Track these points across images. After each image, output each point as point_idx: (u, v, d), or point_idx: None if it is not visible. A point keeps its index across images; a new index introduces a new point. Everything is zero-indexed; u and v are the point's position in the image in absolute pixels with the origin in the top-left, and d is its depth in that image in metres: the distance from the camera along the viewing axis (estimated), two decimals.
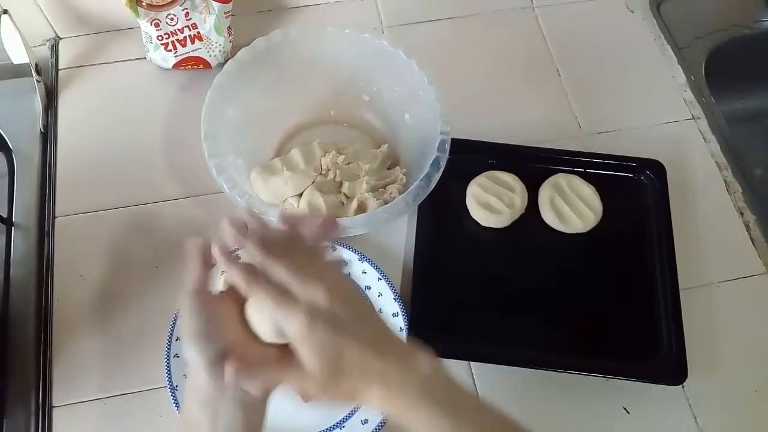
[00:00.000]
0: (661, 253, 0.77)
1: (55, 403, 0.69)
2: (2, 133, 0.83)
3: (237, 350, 0.48)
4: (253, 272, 0.48)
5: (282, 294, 0.47)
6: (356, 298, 0.51)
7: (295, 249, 0.50)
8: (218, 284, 0.54)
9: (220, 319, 0.49)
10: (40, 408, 0.68)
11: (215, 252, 0.48)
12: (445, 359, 0.69)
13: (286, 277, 0.47)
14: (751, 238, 0.81)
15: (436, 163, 0.71)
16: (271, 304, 0.47)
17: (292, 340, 0.47)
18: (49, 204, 0.79)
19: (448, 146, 0.72)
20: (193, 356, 0.47)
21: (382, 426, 0.66)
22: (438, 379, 0.49)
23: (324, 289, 0.47)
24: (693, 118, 0.89)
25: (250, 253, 0.48)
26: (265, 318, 0.49)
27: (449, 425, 0.47)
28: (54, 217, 0.78)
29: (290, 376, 0.47)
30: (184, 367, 0.68)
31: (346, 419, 0.67)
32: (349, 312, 0.48)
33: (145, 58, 0.88)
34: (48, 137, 0.84)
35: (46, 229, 0.78)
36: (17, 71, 0.86)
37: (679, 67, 0.93)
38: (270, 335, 0.49)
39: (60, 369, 0.70)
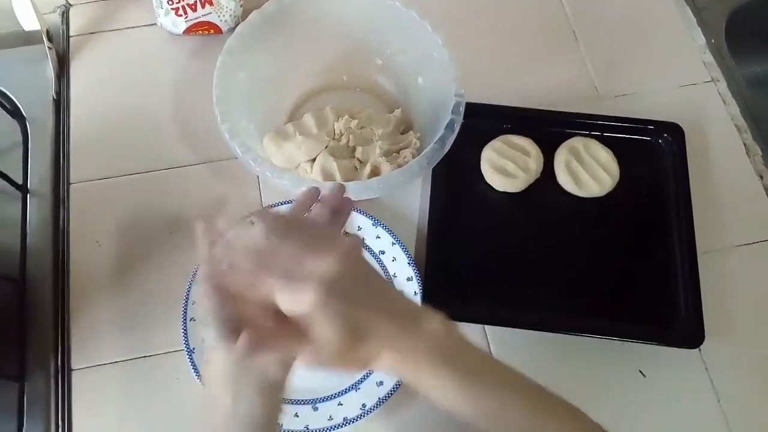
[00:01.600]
0: (679, 217, 0.76)
1: (73, 366, 0.70)
2: (15, 101, 0.83)
3: (253, 325, 0.48)
4: (259, 262, 0.48)
5: (289, 274, 0.47)
6: (366, 266, 0.51)
7: (302, 228, 0.51)
8: None
9: (234, 297, 0.49)
10: (59, 371, 0.69)
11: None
12: (460, 322, 0.70)
13: (292, 255, 0.48)
14: None
15: (450, 125, 0.70)
16: (280, 286, 0.47)
17: (305, 314, 0.46)
18: (63, 171, 0.80)
19: (462, 108, 0.71)
20: (211, 338, 0.48)
21: (397, 387, 0.66)
22: (449, 340, 0.49)
23: (333, 260, 0.47)
24: (712, 80, 0.88)
25: (253, 238, 0.49)
26: None
27: (458, 386, 0.48)
28: (69, 184, 0.79)
29: (303, 347, 0.47)
30: (201, 330, 0.68)
31: (362, 381, 0.67)
32: (359, 280, 0.48)
33: (155, 24, 0.88)
34: (60, 104, 0.84)
35: (61, 195, 0.78)
36: (29, 38, 0.86)
37: (698, 29, 0.91)
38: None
39: (78, 333, 0.71)
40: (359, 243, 0.55)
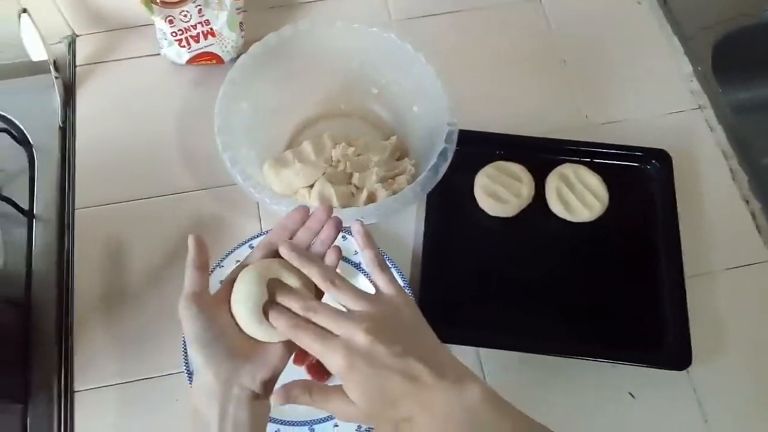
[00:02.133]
0: (667, 241, 0.78)
1: (76, 388, 0.71)
2: (23, 128, 0.85)
3: (241, 352, 0.52)
4: (297, 321, 0.51)
5: (323, 335, 0.50)
6: (403, 326, 0.52)
7: (344, 284, 0.53)
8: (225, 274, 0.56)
9: (219, 319, 0.52)
10: (62, 393, 0.71)
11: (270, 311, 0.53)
12: (453, 345, 0.72)
13: (329, 319, 0.51)
14: (757, 226, 0.82)
15: (443, 153, 0.72)
16: (313, 349, 0.50)
17: (338, 376, 0.49)
18: (69, 197, 0.82)
19: (455, 137, 0.73)
20: (198, 358, 0.51)
21: None
22: (486, 413, 0.48)
23: (363, 327, 0.49)
24: (699, 107, 0.90)
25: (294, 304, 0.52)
26: (243, 312, 0.52)
27: None
28: (74, 210, 0.81)
29: (335, 404, 0.50)
30: (189, 350, 0.69)
31: None
32: (392, 344, 0.49)
33: (159, 54, 0.91)
34: (66, 132, 0.86)
35: (66, 221, 0.80)
36: (36, 68, 0.88)
37: (686, 58, 0.94)
38: (250, 328, 0.52)
39: (81, 356, 0.73)
40: (403, 302, 0.54)
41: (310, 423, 0.68)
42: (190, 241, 0.55)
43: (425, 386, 0.48)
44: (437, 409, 0.48)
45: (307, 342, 0.50)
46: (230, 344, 0.52)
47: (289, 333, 0.51)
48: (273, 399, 0.52)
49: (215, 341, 0.51)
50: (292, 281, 0.54)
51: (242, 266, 0.56)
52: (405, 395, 0.48)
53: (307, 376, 0.70)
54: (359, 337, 0.49)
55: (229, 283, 0.55)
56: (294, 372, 0.70)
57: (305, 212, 0.58)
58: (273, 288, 0.54)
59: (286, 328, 0.51)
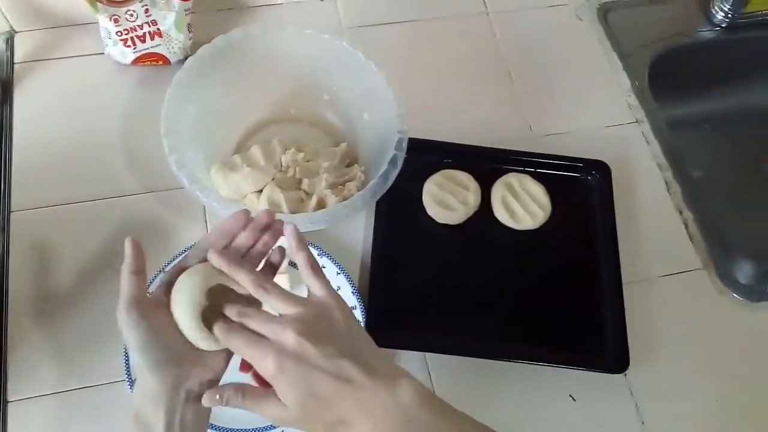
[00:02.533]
0: (606, 249, 0.81)
1: (9, 398, 0.68)
2: None
3: (186, 356, 0.52)
4: (229, 327, 0.52)
5: (255, 339, 0.50)
6: (335, 328, 0.52)
7: (275, 288, 0.53)
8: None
9: (161, 324, 0.52)
10: None
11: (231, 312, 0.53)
12: (400, 350, 0.73)
13: (261, 323, 0.51)
14: (689, 235, 0.86)
15: (393, 161, 0.73)
16: (245, 353, 0.50)
17: (269, 379, 0.49)
18: (3, 198, 0.79)
19: (405, 145, 0.74)
20: (141, 364, 0.51)
21: None
22: (422, 413, 0.49)
23: (293, 328, 0.49)
24: (636, 121, 0.94)
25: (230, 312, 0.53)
26: (185, 321, 0.52)
27: None
28: (9, 212, 0.78)
29: (268, 407, 0.50)
30: (131, 356, 0.68)
31: None
32: (323, 345, 0.49)
33: (103, 53, 0.88)
34: (2, 131, 0.83)
35: (1, 223, 0.77)
36: None
37: (624, 73, 0.98)
38: (192, 336, 0.52)
39: (15, 364, 0.70)
40: (336, 304, 0.53)
41: (257, 431, 0.67)
42: (127, 245, 0.54)
43: (359, 387, 0.48)
44: (372, 410, 0.48)
45: (239, 346, 0.51)
46: (175, 350, 0.52)
47: (223, 338, 0.51)
48: (205, 400, 0.51)
49: (159, 347, 0.51)
50: (236, 286, 0.54)
51: (180, 269, 0.55)
52: (338, 397, 0.48)
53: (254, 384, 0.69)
54: (289, 338, 0.49)
55: (168, 285, 0.54)
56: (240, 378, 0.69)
57: (245, 216, 0.58)
58: (214, 294, 0.53)
59: (219, 334, 0.51)
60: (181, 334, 0.52)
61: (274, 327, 0.50)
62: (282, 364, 0.48)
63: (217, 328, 0.52)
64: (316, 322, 0.51)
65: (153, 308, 0.52)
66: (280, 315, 0.52)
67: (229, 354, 0.54)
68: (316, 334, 0.50)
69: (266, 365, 0.49)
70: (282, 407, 0.49)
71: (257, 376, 0.68)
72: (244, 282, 0.53)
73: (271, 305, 0.53)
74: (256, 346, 0.50)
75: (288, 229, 0.57)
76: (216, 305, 0.53)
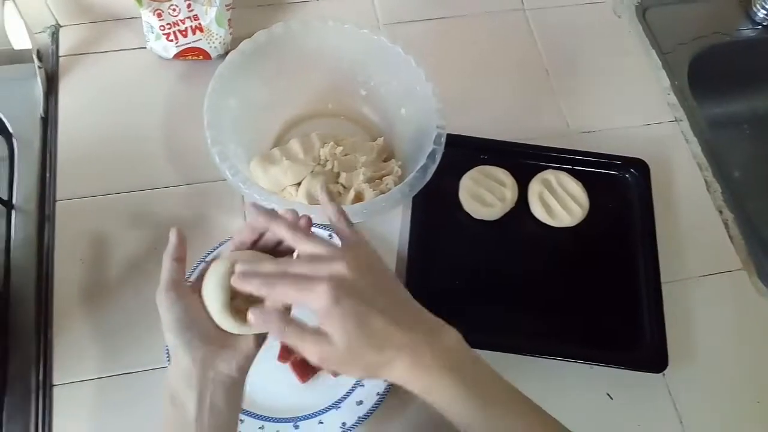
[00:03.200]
0: (644, 248, 0.80)
1: (55, 382, 0.70)
2: (3, 118, 0.84)
3: (216, 338, 0.53)
4: (270, 276, 0.51)
5: (302, 279, 0.49)
6: (380, 270, 0.53)
7: (311, 239, 0.53)
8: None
9: (195, 307, 0.53)
10: (40, 386, 0.70)
11: (233, 279, 0.52)
12: None
13: (305, 266, 0.50)
14: (729, 236, 0.85)
15: (432, 155, 0.73)
16: (293, 293, 0.50)
17: (320, 315, 0.49)
18: (49, 188, 0.80)
19: (443, 139, 0.74)
20: (174, 343, 0.52)
21: (376, 407, 0.68)
22: (464, 358, 0.51)
23: (345, 263, 0.49)
24: (676, 120, 0.93)
25: (266, 267, 0.52)
26: (213, 306, 0.53)
27: (469, 405, 0.50)
28: (54, 201, 0.80)
29: (311, 343, 0.49)
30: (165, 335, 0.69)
31: (342, 400, 0.69)
32: (372, 284, 0.50)
33: (145, 47, 0.90)
34: (48, 123, 0.85)
35: (46, 212, 0.79)
36: (18, 57, 0.87)
37: (663, 72, 0.97)
38: (221, 320, 0.53)
39: (60, 349, 0.72)
40: (372, 253, 0.54)
41: (294, 420, 0.68)
42: (172, 234, 0.57)
43: (408, 329, 0.49)
44: (419, 352, 0.49)
45: (286, 290, 0.50)
46: (205, 331, 0.53)
47: (264, 290, 0.50)
48: (249, 318, 0.51)
49: (191, 327, 0.52)
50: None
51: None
52: (387, 337, 0.48)
53: (292, 374, 0.70)
54: (343, 270, 0.49)
55: (202, 273, 0.56)
56: (277, 368, 0.70)
57: (274, 214, 0.57)
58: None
59: (260, 287, 0.50)
60: (211, 318, 0.54)
61: (325, 263, 0.50)
62: (337, 295, 0.48)
63: (257, 281, 0.50)
64: (365, 257, 0.52)
65: (188, 293, 0.54)
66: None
67: (258, 339, 0.55)
68: (367, 269, 0.50)
69: (319, 298, 0.48)
70: (324, 343, 0.49)
71: (296, 366, 0.69)
72: (282, 232, 0.53)
73: (313, 249, 0.52)
74: (305, 282, 0.49)
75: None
76: (248, 297, 0.54)
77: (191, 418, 0.50)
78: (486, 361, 0.53)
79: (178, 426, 0.51)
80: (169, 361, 0.69)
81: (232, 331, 0.54)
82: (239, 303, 0.54)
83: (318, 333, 0.49)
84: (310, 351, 0.50)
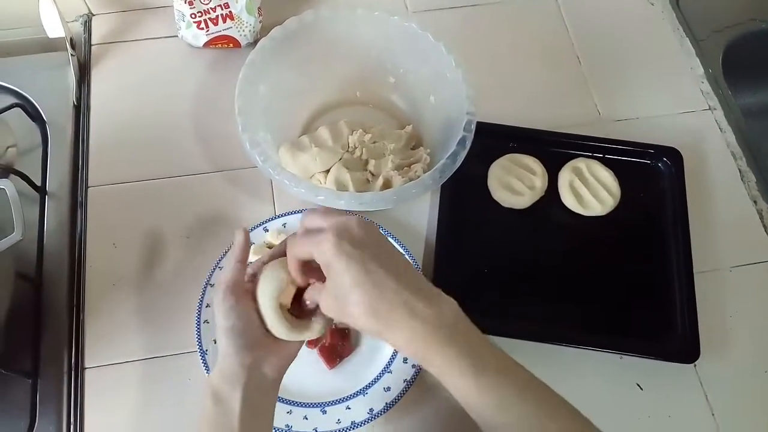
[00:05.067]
0: (677, 237, 0.79)
1: (87, 365, 0.71)
2: (37, 105, 0.85)
3: (263, 343, 0.55)
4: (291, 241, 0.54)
5: (313, 233, 0.51)
6: (388, 243, 0.53)
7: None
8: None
9: (248, 311, 0.55)
10: (73, 369, 0.71)
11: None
12: None
13: (318, 216, 0.53)
14: (764, 226, 0.83)
15: (462, 142, 0.72)
16: (303, 244, 0.52)
17: (326, 264, 0.50)
18: (82, 175, 0.82)
19: (473, 126, 0.74)
20: (226, 347, 0.54)
21: (404, 393, 0.68)
22: (463, 324, 0.52)
23: (355, 220, 0.51)
24: (710, 108, 0.91)
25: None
26: (267, 304, 0.55)
27: (467, 373, 0.50)
28: (87, 188, 0.81)
29: (328, 296, 0.52)
30: (214, 332, 0.70)
31: (370, 386, 0.69)
32: (377, 243, 0.51)
33: (176, 36, 0.91)
34: (81, 110, 0.86)
35: (79, 198, 0.80)
36: (52, 45, 0.88)
37: (697, 59, 0.95)
38: (275, 328, 0.55)
39: (92, 332, 0.73)
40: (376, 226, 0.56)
41: (322, 405, 0.68)
42: (238, 236, 0.58)
43: (408, 289, 0.49)
44: (420, 315, 0.49)
45: (300, 244, 0.52)
46: (256, 337, 0.55)
47: (287, 250, 0.54)
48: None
49: (243, 335, 0.54)
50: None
51: (262, 263, 0.58)
52: (388, 290, 0.49)
53: (320, 360, 0.70)
54: (351, 223, 0.50)
55: (253, 277, 0.57)
56: (305, 354, 0.70)
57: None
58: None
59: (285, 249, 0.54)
60: (263, 323, 0.55)
61: (334, 216, 0.52)
62: (339, 241, 0.49)
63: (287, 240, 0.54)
64: (374, 229, 0.53)
65: (244, 296, 0.56)
66: None
67: (299, 343, 0.57)
68: (375, 233, 0.52)
69: (325, 245, 0.49)
70: (338, 295, 0.50)
71: (324, 351, 0.70)
72: (295, 246, 0.54)
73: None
74: (315, 233, 0.51)
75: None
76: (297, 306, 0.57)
77: (235, 416, 0.52)
78: (483, 334, 0.53)
79: (220, 424, 0.52)
80: (200, 350, 0.69)
81: (281, 338, 0.56)
82: (288, 311, 0.56)
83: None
84: (328, 306, 0.52)
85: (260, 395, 0.54)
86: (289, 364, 0.57)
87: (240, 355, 0.53)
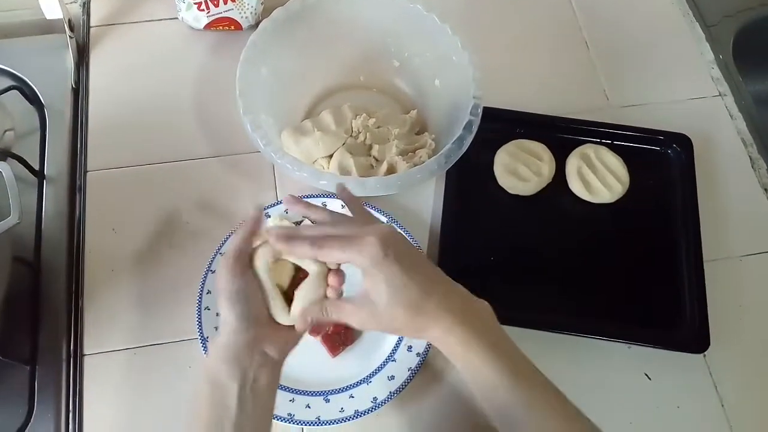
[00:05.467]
0: (686, 225, 0.78)
1: (86, 351, 0.70)
2: (34, 88, 0.83)
3: (266, 320, 0.54)
4: (317, 237, 0.52)
5: (350, 236, 0.51)
6: (415, 247, 0.57)
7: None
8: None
9: (250, 283, 0.54)
10: (71, 356, 0.70)
11: (272, 239, 0.53)
12: None
13: (352, 227, 0.53)
14: None
15: (468, 126, 0.71)
16: (340, 248, 0.51)
17: (366, 268, 0.50)
18: (80, 159, 0.80)
19: (480, 110, 0.72)
20: (229, 314, 0.52)
21: (408, 382, 0.67)
22: (493, 324, 0.53)
23: (390, 228, 0.52)
24: (720, 95, 0.90)
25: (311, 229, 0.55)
26: (271, 290, 0.54)
27: (502, 369, 0.51)
28: (86, 172, 0.79)
29: (349, 312, 0.53)
30: (215, 319, 0.69)
31: (373, 374, 0.68)
32: (411, 251, 0.53)
33: (176, 18, 0.89)
34: (79, 93, 0.84)
35: (77, 183, 0.79)
36: (50, 27, 0.86)
37: (707, 45, 0.94)
38: (274, 306, 0.54)
39: (91, 319, 0.71)
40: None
41: (325, 393, 0.67)
42: (253, 212, 0.56)
43: (446, 295, 0.52)
44: (457, 318, 0.51)
45: (334, 249, 0.51)
46: (259, 311, 0.53)
47: (313, 251, 0.52)
48: (297, 327, 0.54)
49: (247, 301, 0.52)
50: (310, 267, 0.55)
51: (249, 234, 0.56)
52: (427, 295, 0.50)
53: (323, 348, 0.69)
54: (388, 231, 0.51)
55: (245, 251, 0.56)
56: (308, 342, 0.69)
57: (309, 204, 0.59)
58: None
59: (308, 248, 0.52)
60: (263, 301, 0.54)
61: (369, 226, 0.53)
62: (386, 248, 0.49)
63: (307, 244, 0.52)
64: (401, 236, 0.54)
65: (248, 270, 0.54)
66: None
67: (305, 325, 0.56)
68: (405, 241, 0.54)
69: (369, 250, 0.49)
70: (366, 305, 0.51)
71: (327, 339, 0.68)
72: (305, 252, 0.53)
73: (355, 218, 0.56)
74: (353, 240, 0.51)
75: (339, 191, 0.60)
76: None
77: (233, 398, 0.50)
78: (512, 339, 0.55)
79: (218, 407, 0.51)
80: (201, 337, 0.68)
81: (282, 322, 0.54)
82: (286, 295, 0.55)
83: (352, 302, 0.52)
84: (351, 317, 0.52)
85: (261, 376, 0.52)
86: (292, 348, 0.55)
87: (242, 326, 0.51)
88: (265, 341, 0.52)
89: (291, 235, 0.53)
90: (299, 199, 0.58)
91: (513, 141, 0.81)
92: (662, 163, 0.82)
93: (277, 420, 0.64)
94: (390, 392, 0.67)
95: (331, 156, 0.77)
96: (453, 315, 0.51)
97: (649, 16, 0.95)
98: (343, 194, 0.59)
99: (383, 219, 0.75)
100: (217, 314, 0.68)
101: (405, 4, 0.78)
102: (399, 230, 0.57)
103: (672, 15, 0.96)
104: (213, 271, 0.71)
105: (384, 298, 0.50)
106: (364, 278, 0.51)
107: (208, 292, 0.70)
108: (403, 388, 0.67)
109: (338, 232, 0.52)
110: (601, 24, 0.94)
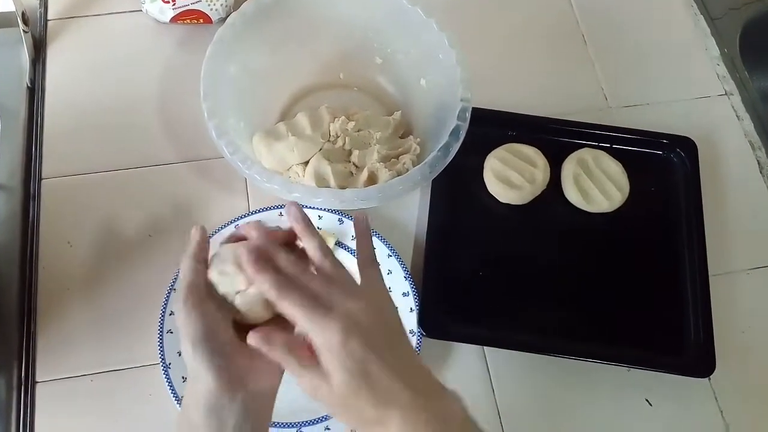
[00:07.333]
0: (691, 237, 0.73)
1: (38, 378, 0.65)
2: None
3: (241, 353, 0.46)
4: (285, 280, 0.45)
5: (317, 304, 0.44)
6: (393, 320, 0.48)
7: (338, 265, 0.48)
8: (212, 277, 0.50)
9: (213, 314, 0.47)
10: (23, 382, 0.64)
11: (244, 257, 0.45)
12: (457, 342, 0.67)
13: (324, 287, 0.45)
14: None
15: (455, 132, 0.66)
16: (302, 314, 0.44)
17: (322, 349, 0.44)
18: (35, 164, 0.75)
19: (468, 114, 0.67)
20: (193, 357, 0.45)
21: None
22: (461, 426, 0.45)
23: (365, 305, 0.45)
24: (726, 93, 0.85)
25: (284, 261, 0.46)
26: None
27: None
28: (40, 179, 0.74)
29: (310, 377, 0.44)
30: (178, 344, 0.63)
31: None
32: (383, 335, 0.45)
33: (140, 10, 0.83)
34: (35, 92, 0.79)
35: (31, 191, 0.73)
36: (2, 20, 0.80)
37: (712, 39, 0.89)
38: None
39: (45, 342, 0.66)
40: (388, 297, 0.50)
41: (298, 425, 0.62)
42: (195, 232, 0.50)
43: (408, 390, 0.44)
44: (417, 418, 0.43)
45: (294, 308, 0.44)
46: (226, 343, 0.46)
47: (273, 294, 0.44)
48: (250, 338, 0.45)
49: (212, 337, 0.46)
50: None
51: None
52: (387, 393, 0.43)
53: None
54: (360, 311, 0.44)
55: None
56: None
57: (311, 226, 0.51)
58: None
59: (270, 288, 0.44)
60: (232, 331, 0.47)
61: (342, 295, 0.45)
62: (348, 335, 0.43)
63: (269, 278, 0.44)
64: (382, 302, 0.48)
65: (205, 297, 0.47)
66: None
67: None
68: (382, 317, 0.46)
69: (330, 334, 0.43)
70: (324, 381, 0.44)
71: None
72: (309, 244, 0.48)
73: (334, 273, 0.47)
74: (320, 309, 0.44)
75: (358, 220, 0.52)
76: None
77: None
78: None
79: None
80: (162, 362, 0.63)
81: (259, 318, 0.48)
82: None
83: (319, 368, 0.44)
84: (305, 384, 0.45)
85: (246, 422, 0.45)
86: (282, 374, 0.49)
87: (212, 365, 0.44)
88: (247, 376, 0.46)
89: (261, 265, 0.45)
90: (302, 213, 0.49)
91: (504, 145, 0.76)
92: (665, 168, 0.77)
93: None
94: None
95: (306, 163, 0.71)
96: (410, 416, 0.43)
97: (650, 9, 0.90)
98: (360, 226, 0.51)
99: (387, 252, 0.69)
100: (179, 353, 0.62)
101: None
102: (383, 292, 0.49)
103: (675, 8, 0.91)
104: (176, 290, 0.66)
105: (339, 384, 0.43)
106: (323, 355, 0.44)
107: (171, 313, 0.65)
108: None
109: (314, 288, 0.45)
110: (599, 17, 0.89)
